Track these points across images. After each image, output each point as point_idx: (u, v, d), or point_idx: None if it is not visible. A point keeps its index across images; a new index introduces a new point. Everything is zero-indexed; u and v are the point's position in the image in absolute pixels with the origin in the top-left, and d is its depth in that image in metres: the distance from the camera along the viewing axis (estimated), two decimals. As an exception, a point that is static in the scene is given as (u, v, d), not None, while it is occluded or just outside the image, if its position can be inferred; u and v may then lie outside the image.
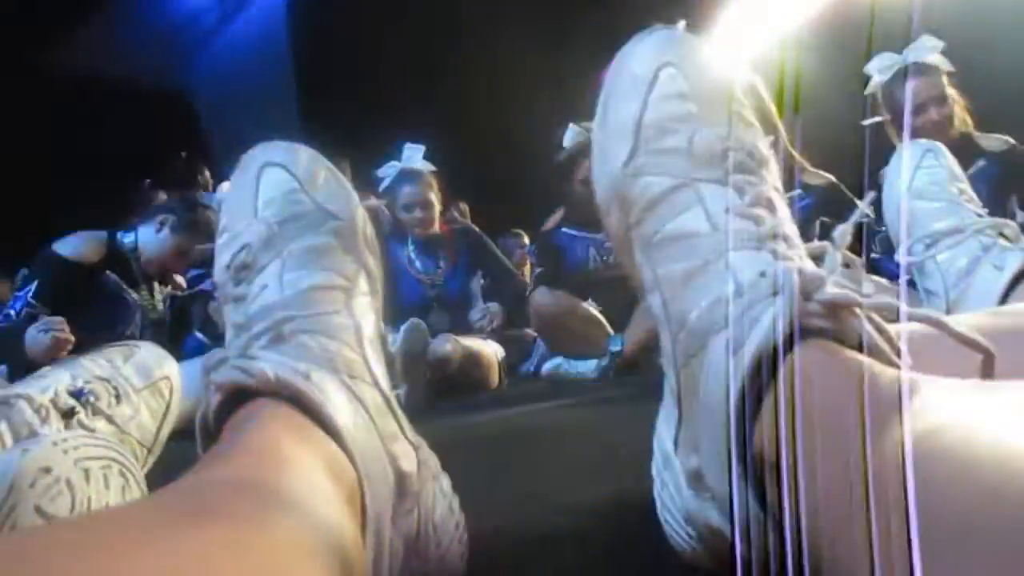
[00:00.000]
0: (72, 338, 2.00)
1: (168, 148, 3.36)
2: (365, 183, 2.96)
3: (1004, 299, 0.89)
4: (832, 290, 0.36)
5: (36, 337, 1.96)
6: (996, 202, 1.89)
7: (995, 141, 2.17)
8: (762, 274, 0.39)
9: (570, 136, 2.61)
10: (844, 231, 0.41)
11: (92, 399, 0.76)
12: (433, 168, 2.63)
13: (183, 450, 0.40)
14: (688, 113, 0.47)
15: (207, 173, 3.06)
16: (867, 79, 2.21)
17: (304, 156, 0.53)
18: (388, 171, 2.62)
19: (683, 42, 0.50)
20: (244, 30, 5.59)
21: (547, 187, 3.00)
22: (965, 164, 1.19)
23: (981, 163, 2.08)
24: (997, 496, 0.22)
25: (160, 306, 2.40)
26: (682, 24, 0.52)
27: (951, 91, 2.17)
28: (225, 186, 2.37)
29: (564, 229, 2.75)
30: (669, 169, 0.46)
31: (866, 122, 2.18)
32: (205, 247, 2.30)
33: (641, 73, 0.49)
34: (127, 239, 2.29)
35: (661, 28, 0.51)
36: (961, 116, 2.18)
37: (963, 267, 0.97)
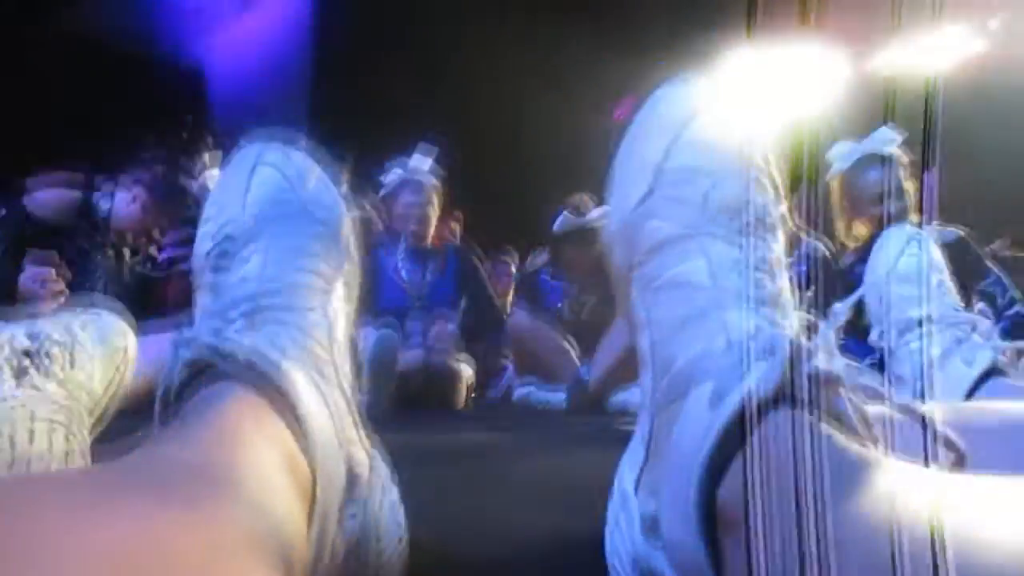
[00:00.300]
0: (65, 288, 1.99)
1: (173, 118, 3.34)
2: (365, 183, 2.97)
3: (970, 395, 0.90)
4: (820, 364, 0.37)
5: (31, 289, 1.96)
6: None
7: (947, 233, 2.19)
8: (754, 336, 0.40)
9: (560, 223, 2.68)
10: (842, 309, 0.42)
11: (46, 361, 0.75)
12: (436, 181, 2.64)
13: (131, 427, 0.39)
14: (708, 167, 0.47)
15: (210, 142, 3.04)
16: (828, 166, 2.25)
17: (297, 159, 0.54)
18: (392, 176, 2.63)
19: (716, 95, 0.51)
20: (269, 16, 5.62)
21: (545, 199, 3.05)
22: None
23: None
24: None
25: (126, 273, 2.37)
26: (716, 76, 0.52)
27: (908, 184, 2.20)
28: (208, 175, 2.36)
29: (544, 276, 2.84)
30: (680, 217, 0.46)
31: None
32: (182, 232, 2.30)
33: (670, 119, 0.50)
34: (103, 203, 2.27)
35: (697, 77, 0.52)
36: (912, 208, 2.21)
37: (934, 358, 0.98)
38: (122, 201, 2.27)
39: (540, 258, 2.95)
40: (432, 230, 2.66)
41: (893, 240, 1.11)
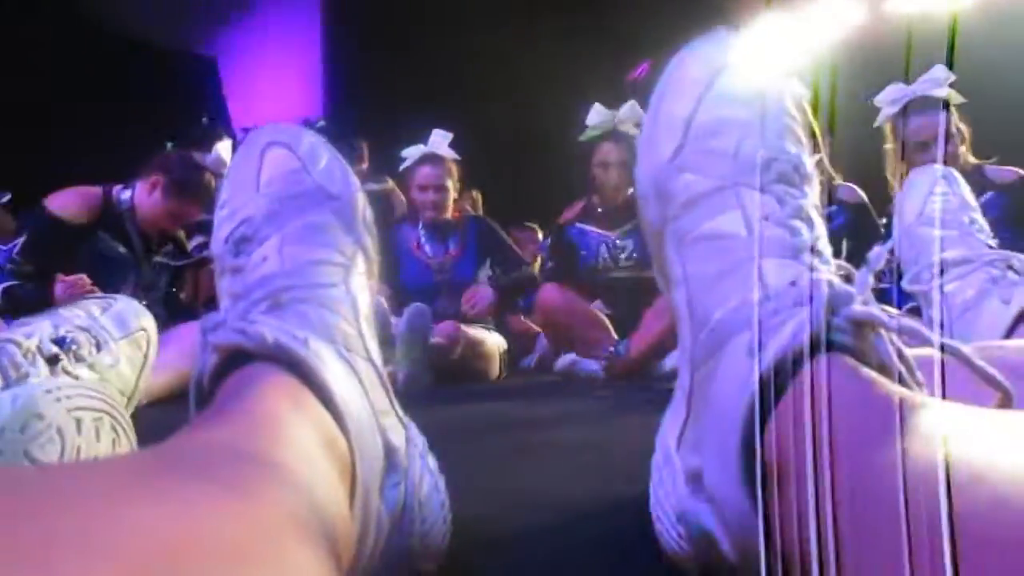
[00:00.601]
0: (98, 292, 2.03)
1: (192, 111, 3.37)
2: (383, 167, 3.00)
3: (1009, 334, 0.89)
4: (860, 307, 0.36)
5: (68, 297, 1.99)
6: (1002, 235, 1.88)
7: (1004, 174, 2.15)
8: (792, 283, 0.40)
9: (593, 117, 2.61)
10: (880, 254, 0.41)
11: (74, 347, 0.77)
12: (457, 157, 2.65)
13: (163, 420, 0.39)
14: (740, 118, 0.47)
15: (227, 140, 3.09)
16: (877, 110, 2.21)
17: (308, 138, 0.54)
18: (412, 152, 2.66)
19: (744, 49, 0.51)
20: (282, 18, 5.66)
21: (562, 181, 3.02)
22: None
23: (989, 195, 2.06)
24: (999, 507, 0.22)
25: (156, 265, 2.40)
26: (742, 31, 0.52)
27: (959, 125, 2.15)
28: (221, 147, 2.37)
29: (578, 224, 2.73)
30: (714, 169, 0.46)
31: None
32: (203, 218, 2.31)
33: (699, 74, 0.50)
34: (124, 196, 2.28)
35: (723, 33, 0.52)
36: (968, 149, 2.16)
37: (970, 298, 0.97)
38: (143, 191, 2.27)
39: (575, 209, 2.84)
40: (450, 203, 2.67)
41: (920, 182, 1.09)
